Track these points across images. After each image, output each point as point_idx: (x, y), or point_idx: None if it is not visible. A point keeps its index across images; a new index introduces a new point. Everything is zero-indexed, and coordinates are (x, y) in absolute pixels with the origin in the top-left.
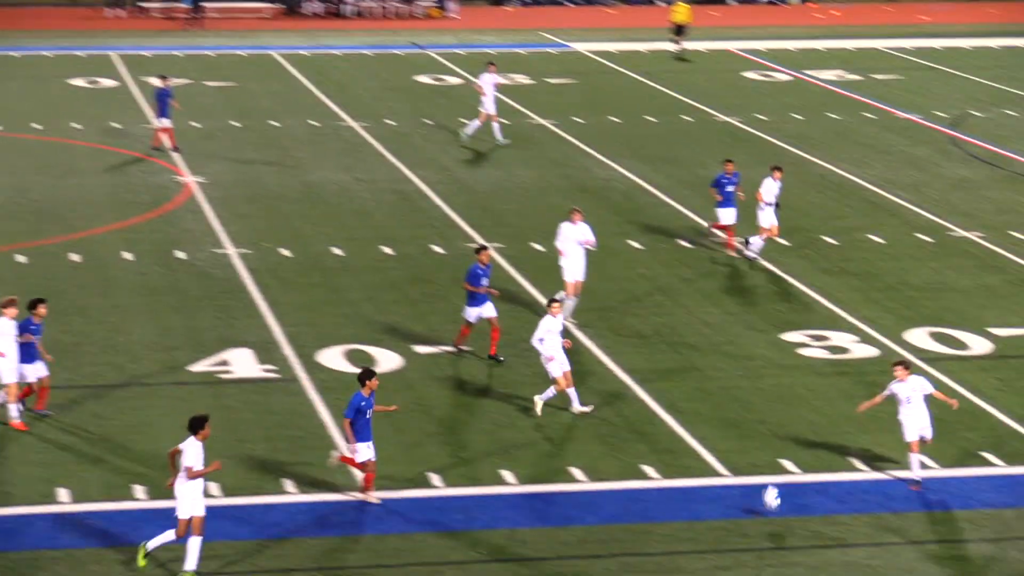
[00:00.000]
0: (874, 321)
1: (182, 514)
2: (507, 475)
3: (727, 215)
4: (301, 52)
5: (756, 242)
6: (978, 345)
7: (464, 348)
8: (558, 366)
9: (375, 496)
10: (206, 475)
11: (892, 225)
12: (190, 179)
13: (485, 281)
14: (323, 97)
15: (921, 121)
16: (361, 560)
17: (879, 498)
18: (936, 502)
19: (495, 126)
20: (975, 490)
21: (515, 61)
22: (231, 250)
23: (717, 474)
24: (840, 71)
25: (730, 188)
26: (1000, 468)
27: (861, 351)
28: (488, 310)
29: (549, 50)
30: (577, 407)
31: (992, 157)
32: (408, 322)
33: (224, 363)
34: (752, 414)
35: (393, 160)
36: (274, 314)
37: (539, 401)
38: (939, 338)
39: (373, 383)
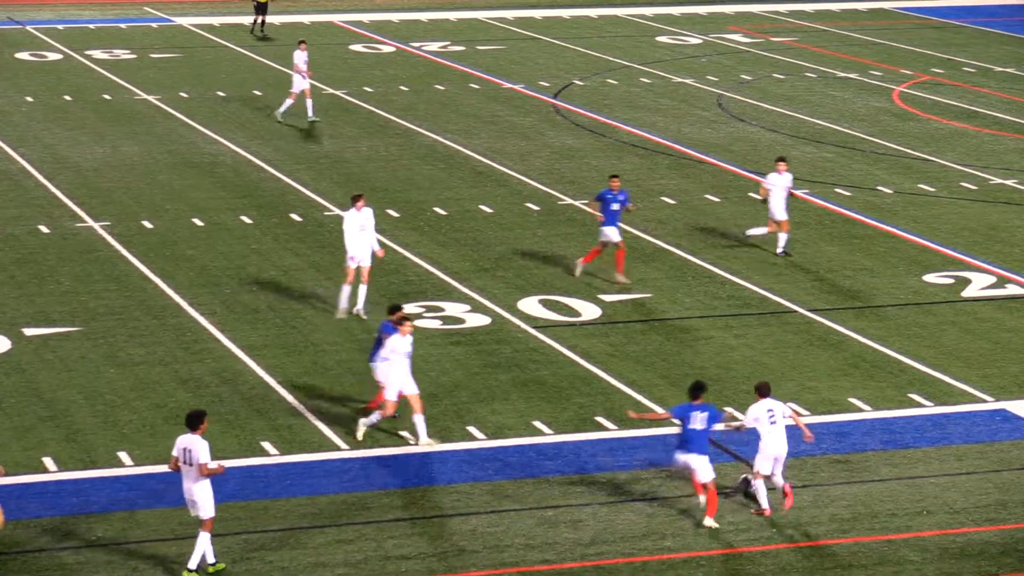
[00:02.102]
0: (486, 291)
1: (208, 514)
2: (124, 456)
3: (612, 232)
4: None
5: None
6: (588, 311)
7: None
8: (392, 391)
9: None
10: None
11: (500, 195)
12: None
13: None
14: None
15: (525, 91)
16: None
17: (496, 466)
18: (552, 468)
19: (290, 102)
20: (590, 454)
21: (116, 36)
22: None
23: (336, 448)
24: (444, 42)
25: (615, 206)
26: (612, 432)
27: (475, 320)
28: None
29: (151, 24)
30: (423, 436)
31: (595, 125)
32: (16, 304)
33: None
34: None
35: None
36: None
37: (362, 426)
38: (550, 305)
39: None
